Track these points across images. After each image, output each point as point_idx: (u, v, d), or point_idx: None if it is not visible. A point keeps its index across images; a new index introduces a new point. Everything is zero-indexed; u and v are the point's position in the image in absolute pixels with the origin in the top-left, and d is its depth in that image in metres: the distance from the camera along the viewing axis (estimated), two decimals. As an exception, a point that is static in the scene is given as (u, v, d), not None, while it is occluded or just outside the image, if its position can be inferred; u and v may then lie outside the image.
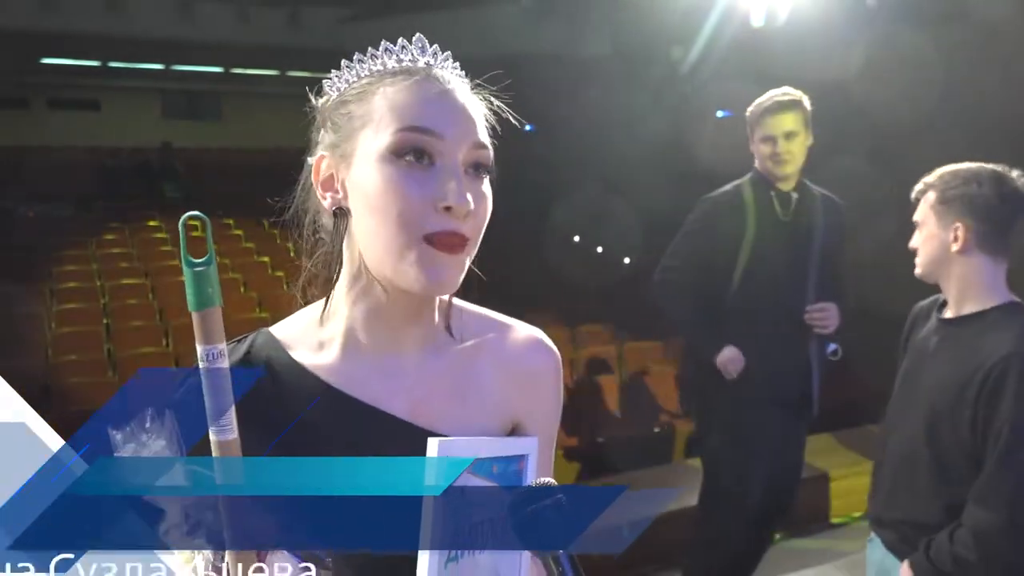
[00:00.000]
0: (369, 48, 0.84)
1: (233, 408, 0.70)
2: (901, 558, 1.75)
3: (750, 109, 2.63)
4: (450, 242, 0.78)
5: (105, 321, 6.38)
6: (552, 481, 0.74)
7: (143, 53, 11.34)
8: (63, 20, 9.00)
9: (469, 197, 0.78)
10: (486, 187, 0.83)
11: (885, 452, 1.88)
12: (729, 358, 2.66)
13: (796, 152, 2.56)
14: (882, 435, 1.95)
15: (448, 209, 0.77)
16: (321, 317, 0.89)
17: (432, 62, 0.84)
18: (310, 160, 0.87)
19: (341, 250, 0.85)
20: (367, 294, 0.85)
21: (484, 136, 0.83)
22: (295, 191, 0.91)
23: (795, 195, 2.63)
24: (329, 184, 0.84)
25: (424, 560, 0.75)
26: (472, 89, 0.86)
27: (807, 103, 2.58)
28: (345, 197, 0.83)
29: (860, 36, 5.35)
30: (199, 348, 0.68)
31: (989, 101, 4.88)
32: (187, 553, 0.74)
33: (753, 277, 2.64)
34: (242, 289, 7.39)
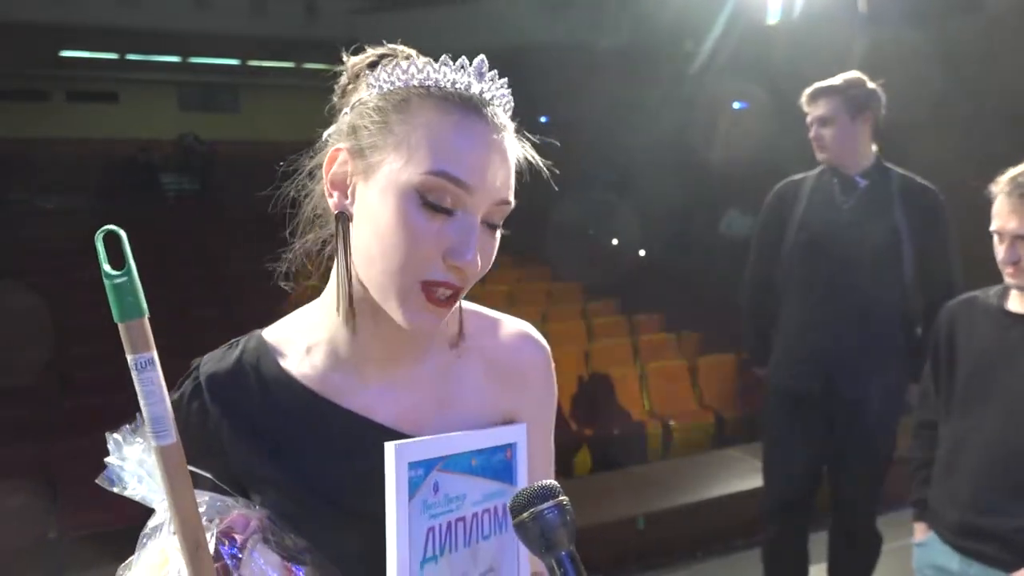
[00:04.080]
0: (429, 58, 0.78)
1: (170, 412, 0.69)
2: (1008, 570, 1.67)
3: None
4: (443, 298, 0.76)
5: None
6: (554, 484, 0.73)
7: (161, 46, 11.41)
8: (82, 13, 9.06)
9: (479, 258, 0.75)
10: (497, 239, 0.79)
11: (958, 457, 1.80)
12: (765, 375, 2.78)
13: (831, 137, 2.52)
14: (953, 442, 1.85)
15: (457, 268, 0.74)
16: (312, 323, 0.87)
17: (487, 89, 0.77)
18: (327, 136, 0.83)
19: (348, 252, 0.80)
20: (359, 304, 0.81)
21: (512, 192, 0.78)
22: (301, 164, 0.86)
23: (863, 181, 2.56)
24: (340, 183, 0.79)
25: (393, 566, 0.74)
26: (508, 113, 0.81)
27: (858, 88, 2.51)
28: (352, 203, 0.78)
29: (864, 32, 5.32)
30: (129, 358, 0.68)
31: (993, 96, 4.84)
32: (164, 553, 0.74)
33: (794, 261, 2.63)
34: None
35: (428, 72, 0.76)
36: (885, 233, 2.51)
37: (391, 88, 0.77)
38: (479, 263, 0.75)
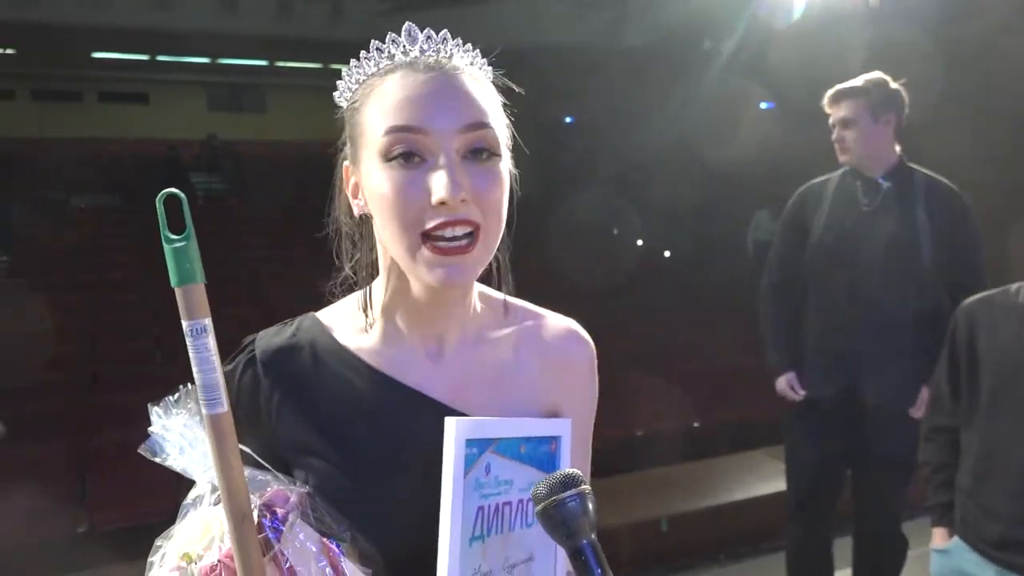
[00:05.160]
0: (361, 51, 0.82)
1: (222, 381, 0.70)
2: None
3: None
4: (452, 242, 0.76)
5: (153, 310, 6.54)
6: (577, 473, 0.74)
7: (190, 47, 11.56)
8: (114, 15, 9.20)
9: (467, 182, 0.75)
10: (495, 168, 0.79)
11: (991, 466, 1.76)
12: (782, 388, 2.70)
13: (854, 139, 2.48)
14: (983, 450, 1.78)
15: (443, 203, 0.74)
16: (363, 304, 0.89)
17: (426, 48, 0.80)
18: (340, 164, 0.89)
19: (371, 253, 0.86)
20: (403, 284, 0.85)
21: (483, 115, 0.78)
22: (332, 193, 0.90)
23: (885, 183, 2.52)
24: (356, 192, 0.85)
25: (445, 538, 0.75)
26: (473, 63, 0.82)
27: (883, 89, 2.47)
28: (366, 204, 0.83)
29: (872, 32, 5.28)
30: (184, 323, 0.69)
31: (999, 96, 4.77)
32: (206, 522, 0.75)
33: (817, 264, 2.60)
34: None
35: (367, 64, 0.82)
36: (908, 236, 2.48)
37: (350, 94, 0.84)
38: (465, 189, 0.75)
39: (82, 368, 5.20)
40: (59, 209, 10.05)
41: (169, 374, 5.12)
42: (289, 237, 8.30)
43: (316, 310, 0.93)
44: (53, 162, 10.88)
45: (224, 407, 0.70)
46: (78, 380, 5.00)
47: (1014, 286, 1.81)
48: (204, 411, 0.70)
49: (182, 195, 0.68)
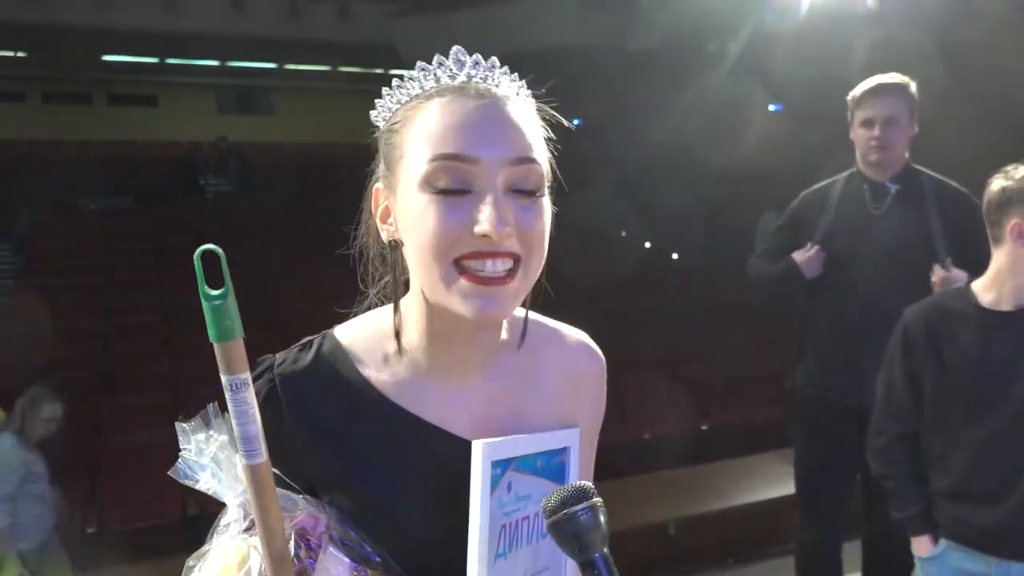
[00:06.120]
0: (405, 72, 0.80)
1: (261, 433, 0.69)
2: None
3: (852, 93, 2.50)
4: (490, 275, 0.74)
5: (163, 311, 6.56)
6: (589, 485, 0.73)
7: (199, 50, 11.60)
8: (124, 18, 9.24)
9: (511, 217, 0.74)
10: (539, 203, 0.77)
11: (980, 465, 1.78)
12: (801, 258, 2.56)
13: (895, 140, 2.44)
14: (969, 452, 1.80)
15: (485, 236, 0.72)
16: (389, 330, 0.87)
17: (473, 73, 0.79)
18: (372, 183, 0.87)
19: (398, 279, 0.84)
20: (431, 317, 0.83)
21: (531, 150, 0.77)
22: (359, 216, 0.88)
23: (894, 187, 2.47)
24: (385, 216, 0.82)
25: (474, 559, 0.76)
26: (519, 94, 0.81)
27: (914, 90, 2.44)
28: (397, 229, 0.80)
29: (873, 33, 5.27)
30: (223, 378, 0.68)
31: (993, 99, 4.75)
32: (241, 552, 0.75)
33: (825, 269, 2.56)
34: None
35: (410, 85, 0.80)
36: (918, 239, 2.44)
37: (390, 114, 0.82)
38: (510, 225, 0.73)
39: (92, 369, 5.22)
40: (70, 211, 10.10)
41: (178, 376, 5.14)
42: (295, 236, 8.32)
43: (333, 323, 0.91)
44: (63, 164, 10.93)
45: (263, 457, 0.70)
46: (89, 381, 5.02)
47: (953, 288, 1.88)
48: (243, 462, 0.70)
49: (220, 251, 0.66)
